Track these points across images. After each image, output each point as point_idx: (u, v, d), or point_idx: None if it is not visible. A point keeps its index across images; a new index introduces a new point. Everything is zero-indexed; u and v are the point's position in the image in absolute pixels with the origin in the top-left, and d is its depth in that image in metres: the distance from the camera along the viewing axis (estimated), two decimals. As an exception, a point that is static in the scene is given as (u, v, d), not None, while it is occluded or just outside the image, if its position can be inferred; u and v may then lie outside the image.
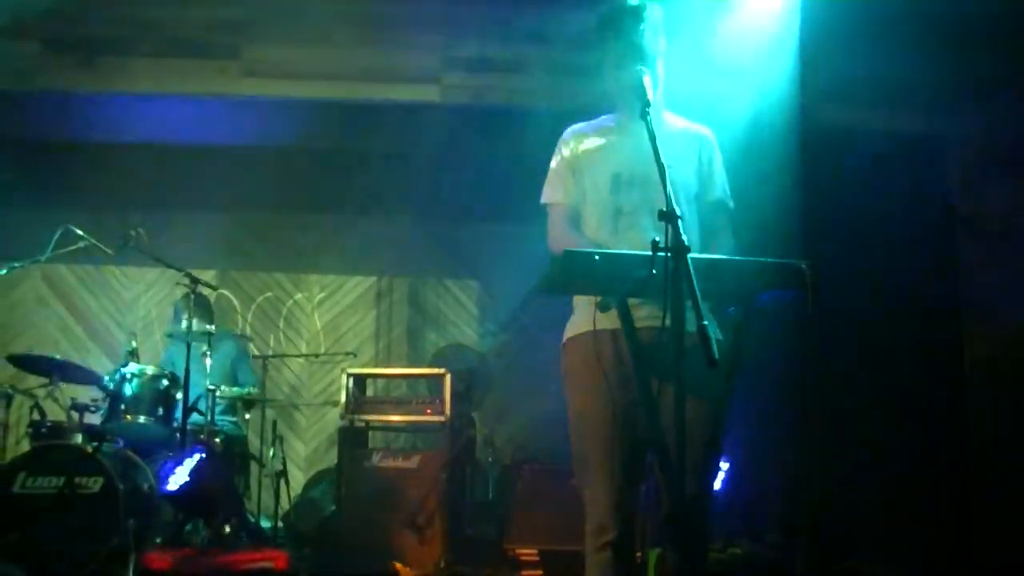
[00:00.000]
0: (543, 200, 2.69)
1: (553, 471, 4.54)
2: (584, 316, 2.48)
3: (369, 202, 6.38)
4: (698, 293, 1.84)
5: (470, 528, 5.03)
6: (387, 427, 5.18)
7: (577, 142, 2.67)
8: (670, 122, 2.65)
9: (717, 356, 1.78)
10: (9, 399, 5.00)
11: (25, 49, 5.03)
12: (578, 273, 2.03)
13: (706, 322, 1.80)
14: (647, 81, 2.33)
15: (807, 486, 4.77)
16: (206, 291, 5.44)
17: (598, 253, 2.03)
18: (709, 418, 2.18)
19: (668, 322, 1.94)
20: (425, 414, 4.84)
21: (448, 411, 4.80)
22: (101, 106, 5.27)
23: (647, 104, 2.24)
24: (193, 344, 5.02)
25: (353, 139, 5.71)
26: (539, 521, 4.48)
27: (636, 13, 2.55)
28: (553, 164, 2.70)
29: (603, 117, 2.74)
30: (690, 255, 1.91)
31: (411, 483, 4.57)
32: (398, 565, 4.26)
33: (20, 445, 5.03)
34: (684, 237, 1.92)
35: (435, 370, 5.08)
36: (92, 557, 4.20)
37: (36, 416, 4.93)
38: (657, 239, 1.94)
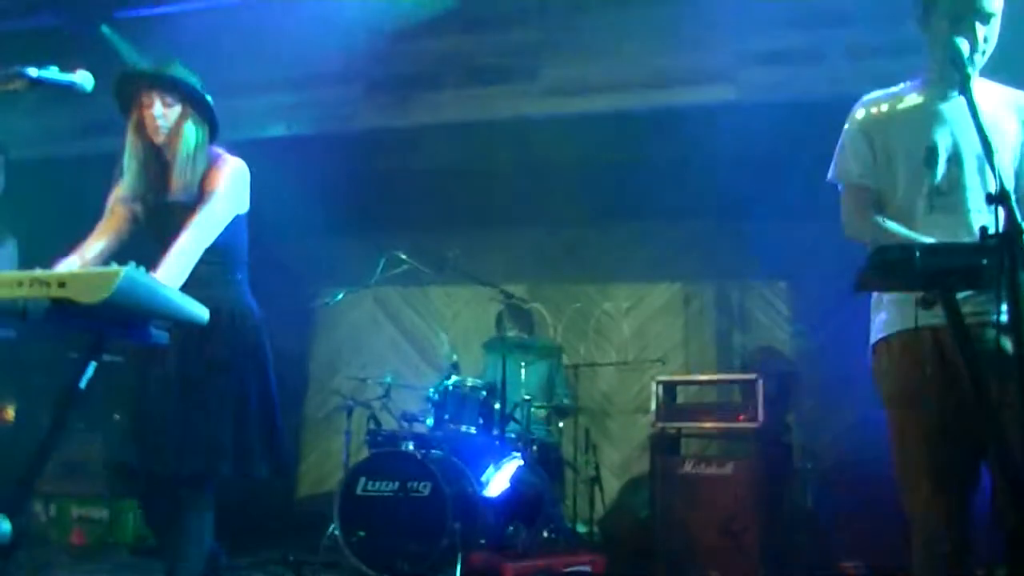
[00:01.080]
0: (831, 177, 2.48)
1: (880, 478, 4.23)
2: (897, 313, 2.28)
3: (672, 207, 6.33)
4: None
5: (789, 538, 4.83)
6: (699, 434, 5.11)
7: (874, 109, 2.42)
8: (985, 91, 2.35)
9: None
10: (351, 410, 5.52)
11: (350, 92, 5.56)
12: (898, 270, 1.85)
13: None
14: (966, 48, 2.10)
15: None
16: (521, 305, 5.70)
17: (918, 247, 1.84)
18: None
19: (1004, 316, 1.73)
20: (737, 420, 4.73)
21: (761, 417, 4.65)
22: (416, 137, 5.67)
23: (967, 78, 2.02)
24: (510, 356, 5.24)
25: (653, 146, 5.70)
26: (865, 532, 4.21)
27: None
28: (844, 136, 2.47)
29: (904, 85, 2.47)
30: (1026, 241, 1.69)
31: (725, 490, 4.47)
32: (714, 574, 4.18)
33: (361, 452, 5.52)
34: (1020, 221, 1.72)
35: (746, 375, 4.94)
36: (425, 555, 4.52)
37: (373, 425, 5.41)
38: (985, 225, 1.75)
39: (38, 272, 2.06)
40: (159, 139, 2.86)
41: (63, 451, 5.43)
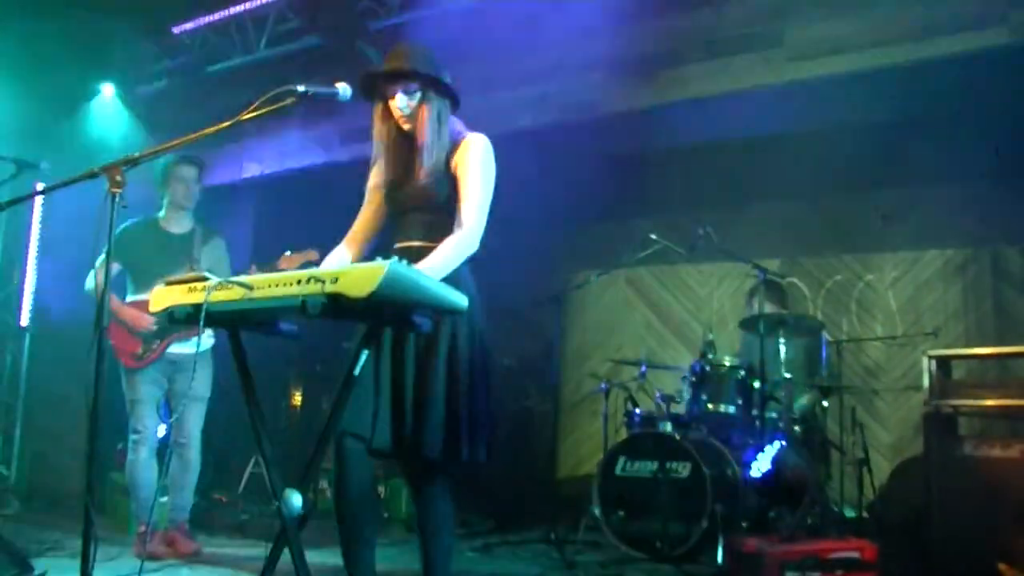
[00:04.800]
0: None
1: None
2: None
3: (938, 171, 5.87)
4: None
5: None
6: (981, 412, 4.71)
7: None
8: None
9: None
10: (608, 391, 5.60)
11: (593, 78, 5.60)
12: None
13: None
14: None
15: None
16: (777, 279, 5.52)
17: None
18: None
19: None
20: (1028, 397, 4.33)
21: (1055, 394, 4.24)
22: (663, 116, 5.61)
23: None
24: (768, 333, 5.09)
25: (916, 103, 5.31)
26: None
27: None
28: None
29: None
30: None
31: (1016, 475, 4.09)
32: (1003, 566, 3.85)
33: (619, 432, 5.57)
34: None
35: (1034, 348, 4.52)
36: (685, 537, 4.51)
37: (630, 406, 5.46)
38: None
39: (314, 270, 2.25)
40: (406, 125, 2.96)
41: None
